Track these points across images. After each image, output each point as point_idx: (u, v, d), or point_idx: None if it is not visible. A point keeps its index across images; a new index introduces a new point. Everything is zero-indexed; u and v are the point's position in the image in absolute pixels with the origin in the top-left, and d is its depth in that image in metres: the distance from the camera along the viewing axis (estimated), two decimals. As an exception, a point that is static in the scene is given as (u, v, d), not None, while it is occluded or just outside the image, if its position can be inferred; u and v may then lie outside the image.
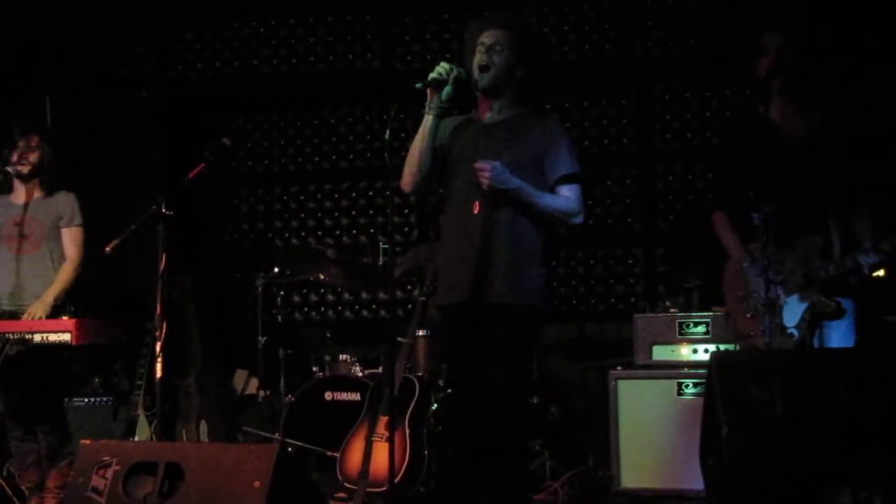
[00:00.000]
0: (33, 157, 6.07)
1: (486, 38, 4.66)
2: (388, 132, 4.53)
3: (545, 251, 4.70)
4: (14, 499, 5.96)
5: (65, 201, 6.11)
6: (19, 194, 6.15)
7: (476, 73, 4.67)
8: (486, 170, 4.48)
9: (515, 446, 4.66)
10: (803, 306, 4.75)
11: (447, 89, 4.63)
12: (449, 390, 6.11)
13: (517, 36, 4.68)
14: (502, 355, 4.56)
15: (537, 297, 4.64)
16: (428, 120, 4.68)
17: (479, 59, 4.66)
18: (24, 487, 6.00)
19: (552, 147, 4.67)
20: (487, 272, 4.56)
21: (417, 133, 4.72)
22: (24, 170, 6.06)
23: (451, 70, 4.61)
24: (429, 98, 4.65)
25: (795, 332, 4.71)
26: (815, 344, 4.77)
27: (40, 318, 5.81)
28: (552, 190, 4.67)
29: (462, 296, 4.63)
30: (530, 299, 4.61)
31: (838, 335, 4.82)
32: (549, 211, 4.64)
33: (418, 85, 4.62)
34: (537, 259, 4.66)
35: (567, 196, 4.66)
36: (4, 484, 6.00)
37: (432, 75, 4.61)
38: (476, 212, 4.60)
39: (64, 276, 5.99)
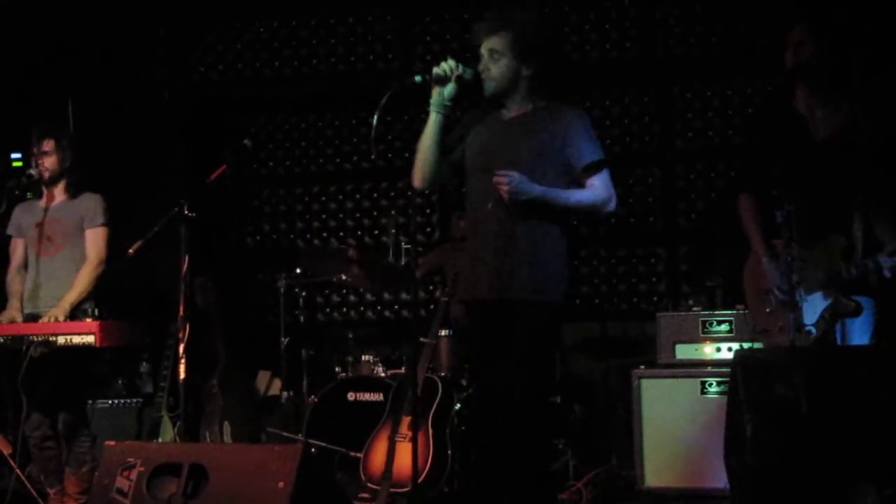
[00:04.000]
0: (49, 163, 6.07)
1: (485, 46, 4.61)
2: (375, 118, 4.51)
3: (569, 247, 4.65)
4: (39, 500, 5.98)
5: (89, 202, 6.10)
6: (45, 197, 6.18)
7: (483, 81, 4.62)
8: (505, 182, 4.43)
9: (538, 446, 4.64)
10: (822, 305, 4.72)
11: (450, 87, 4.57)
12: (471, 390, 6.11)
13: (516, 35, 4.57)
14: (524, 354, 4.52)
15: (559, 293, 4.58)
16: (432, 117, 4.64)
17: (481, 72, 4.61)
18: (49, 492, 6.01)
19: (572, 136, 4.59)
20: (509, 269, 4.52)
21: (424, 130, 4.68)
22: (44, 175, 6.08)
23: (456, 68, 4.55)
24: (432, 95, 4.61)
25: (813, 330, 4.68)
26: (837, 340, 4.75)
27: (60, 321, 5.82)
28: (579, 181, 4.61)
29: (484, 293, 4.60)
30: (553, 296, 4.56)
31: (857, 331, 4.79)
32: (580, 207, 4.61)
33: (418, 77, 4.58)
34: (561, 255, 4.60)
35: (594, 185, 4.59)
36: (29, 485, 6.02)
37: (435, 70, 4.55)
38: (490, 207, 4.54)
39: (81, 279, 5.97)
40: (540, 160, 4.55)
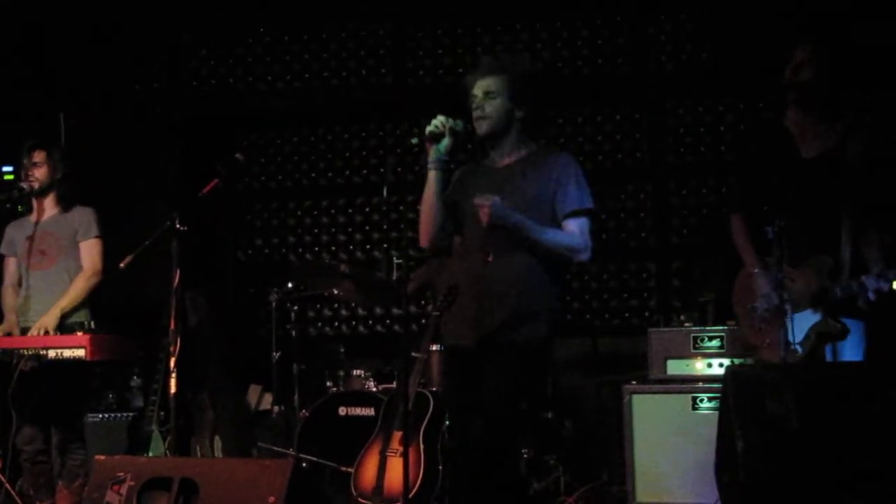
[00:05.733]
0: (39, 173, 6.09)
1: (479, 88, 4.65)
2: (385, 190, 4.57)
3: (557, 283, 4.69)
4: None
5: (81, 215, 6.12)
6: (36, 211, 6.18)
7: (475, 123, 4.66)
8: (486, 205, 4.46)
9: (512, 469, 4.73)
10: (809, 323, 4.73)
11: (445, 142, 4.61)
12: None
13: (510, 79, 4.65)
14: (505, 391, 4.54)
15: (545, 330, 4.62)
16: (431, 175, 4.67)
17: (474, 112, 4.65)
18: (37, 505, 6.01)
19: (561, 183, 4.63)
20: (493, 318, 4.55)
21: (425, 189, 4.71)
22: (34, 185, 6.09)
23: (447, 122, 4.59)
24: (429, 153, 4.65)
25: (799, 349, 4.68)
26: (829, 357, 4.76)
27: (48, 331, 5.82)
28: (560, 226, 4.63)
29: (468, 340, 4.64)
30: (539, 333, 4.60)
31: (847, 353, 4.79)
32: (552, 246, 4.60)
33: (414, 140, 4.66)
34: (547, 295, 4.64)
35: (572, 231, 4.61)
36: (19, 499, 6.00)
37: (428, 128, 4.60)
38: (486, 260, 4.59)
39: (75, 287, 5.99)
40: (532, 209, 4.58)
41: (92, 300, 6.06)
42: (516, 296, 4.55)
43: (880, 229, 4.85)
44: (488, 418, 4.53)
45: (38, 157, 6.10)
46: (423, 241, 4.81)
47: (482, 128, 4.66)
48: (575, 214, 4.62)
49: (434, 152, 4.63)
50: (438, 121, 4.60)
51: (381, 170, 8.10)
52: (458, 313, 4.75)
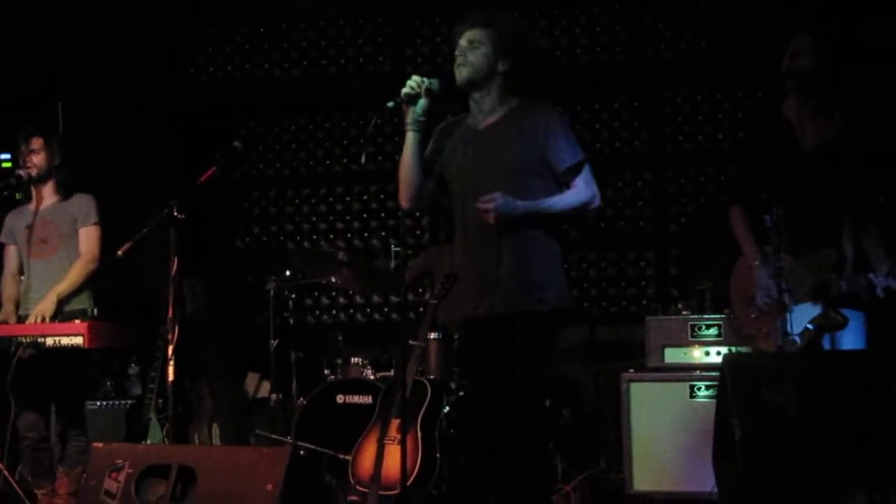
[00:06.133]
0: (37, 159, 6.08)
1: (465, 37, 4.64)
2: (363, 157, 4.63)
3: (561, 249, 4.65)
4: (27, 502, 5.97)
5: (80, 202, 6.12)
6: (35, 199, 6.18)
7: (456, 72, 4.63)
8: (490, 209, 4.41)
9: (536, 449, 4.64)
10: (809, 315, 4.72)
11: (421, 102, 4.60)
12: (461, 393, 6.12)
13: (496, 30, 4.62)
14: (523, 361, 4.50)
15: (557, 297, 4.58)
16: (409, 136, 4.67)
17: (457, 60, 4.63)
18: (37, 492, 6.01)
19: (550, 139, 4.57)
20: (502, 283, 4.51)
21: (403, 151, 4.71)
22: (32, 172, 6.08)
23: (422, 82, 4.58)
24: (405, 114, 4.65)
25: (797, 339, 4.67)
26: (827, 347, 4.76)
27: (45, 318, 5.82)
28: (562, 181, 4.60)
29: (478, 309, 4.59)
30: (551, 302, 4.55)
31: (849, 340, 4.79)
32: (568, 211, 4.58)
33: (390, 104, 4.61)
34: (554, 262, 4.61)
35: (577, 187, 4.58)
36: (18, 486, 6.01)
37: (404, 90, 4.58)
38: (479, 223, 4.52)
39: (73, 273, 5.99)
40: (522, 171, 4.55)
41: (94, 287, 6.05)
42: (524, 261, 4.53)
43: (880, 221, 4.84)
44: (511, 392, 4.51)
45: (36, 144, 6.09)
46: (404, 201, 4.79)
47: (462, 74, 4.61)
48: (574, 169, 4.58)
49: (411, 114, 4.63)
50: (414, 81, 4.58)
51: (380, 158, 8.11)
52: (463, 280, 4.72)
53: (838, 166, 4.81)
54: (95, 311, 5.96)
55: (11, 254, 6.24)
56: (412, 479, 5.56)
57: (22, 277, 6.17)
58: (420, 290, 7.72)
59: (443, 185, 4.78)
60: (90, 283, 6.05)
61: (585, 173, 4.60)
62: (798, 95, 4.94)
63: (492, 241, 4.53)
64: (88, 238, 6.06)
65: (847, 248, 4.78)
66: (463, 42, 4.64)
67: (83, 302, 6.01)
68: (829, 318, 4.69)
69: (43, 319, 5.82)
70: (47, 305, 5.87)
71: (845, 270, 4.74)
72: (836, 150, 4.84)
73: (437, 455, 5.77)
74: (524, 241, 4.54)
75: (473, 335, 4.71)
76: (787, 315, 4.61)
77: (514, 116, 4.65)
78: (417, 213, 8.04)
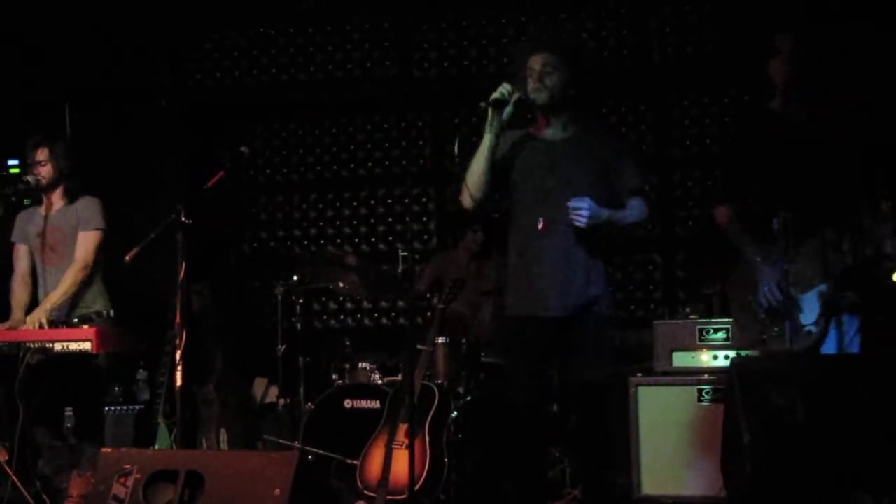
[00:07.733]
0: (44, 171, 6.12)
1: (535, 62, 4.87)
2: (457, 156, 4.86)
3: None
4: (46, 499, 5.97)
5: (84, 206, 6.13)
6: (45, 205, 6.20)
7: (533, 94, 4.85)
8: (583, 209, 4.71)
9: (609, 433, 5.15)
10: (818, 303, 4.72)
11: (508, 110, 4.81)
12: (469, 398, 6.12)
13: (565, 57, 4.88)
14: (598, 359, 4.91)
15: (611, 303, 5.03)
16: (487, 139, 4.85)
17: (533, 84, 4.84)
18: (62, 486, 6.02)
19: (623, 158, 4.97)
20: (565, 285, 4.84)
21: (477, 151, 4.89)
22: (41, 181, 6.11)
23: (513, 91, 4.77)
24: (490, 118, 4.82)
25: (814, 329, 4.69)
26: (834, 334, 4.75)
27: (42, 325, 5.83)
28: (622, 196, 4.95)
29: (542, 310, 4.87)
30: (606, 307, 4.95)
31: (849, 345, 4.80)
32: (631, 225, 4.98)
33: (482, 104, 4.77)
34: (605, 270, 5.01)
35: (641, 206, 4.98)
36: (25, 491, 6.01)
37: (494, 95, 4.77)
38: (542, 227, 4.83)
39: (64, 280, 6.01)
40: (598, 182, 4.87)
41: (111, 290, 6.10)
42: (584, 265, 4.90)
43: (871, 201, 4.84)
44: (586, 384, 4.95)
45: (42, 155, 6.12)
46: (467, 201, 4.97)
47: (542, 97, 4.86)
48: (639, 190, 4.99)
49: (497, 118, 4.81)
50: (505, 89, 4.79)
51: (386, 163, 8.13)
52: (523, 281, 4.95)
53: (828, 150, 4.84)
54: (111, 312, 5.98)
55: (22, 254, 6.25)
56: (420, 484, 5.56)
57: (31, 282, 6.19)
58: (428, 294, 7.72)
59: (503, 190, 5.02)
60: (103, 286, 6.08)
61: (646, 194, 5.02)
62: (789, 89, 4.96)
63: (553, 245, 4.85)
64: (85, 243, 6.07)
65: (843, 229, 4.78)
66: (536, 66, 4.87)
67: (99, 304, 6.05)
68: (839, 297, 4.70)
69: (40, 326, 5.84)
70: (41, 314, 5.89)
71: (843, 248, 4.74)
72: (826, 135, 4.86)
73: (445, 460, 5.77)
74: (583, 247, 4.88)
75: (539, 333, 4.91)
76: (797, 312, 4.64)
77: (586, 135, 4.98)
78: (424, 219, 8.06)
